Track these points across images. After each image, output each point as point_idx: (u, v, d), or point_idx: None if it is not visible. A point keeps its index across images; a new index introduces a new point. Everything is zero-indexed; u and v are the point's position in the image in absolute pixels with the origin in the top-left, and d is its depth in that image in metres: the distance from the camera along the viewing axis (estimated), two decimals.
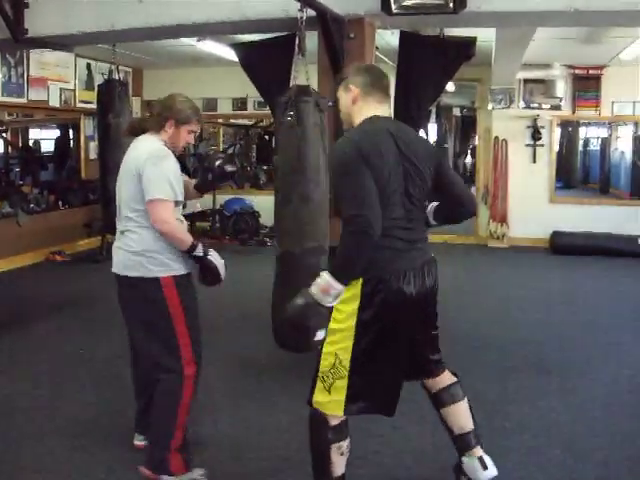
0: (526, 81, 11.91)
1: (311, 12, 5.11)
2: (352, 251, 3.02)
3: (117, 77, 7.54)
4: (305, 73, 4.98)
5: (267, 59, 5.99)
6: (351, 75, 3.40)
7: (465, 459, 3.58)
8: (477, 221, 12.44)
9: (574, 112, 12.24)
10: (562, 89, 11.84)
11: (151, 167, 3.57)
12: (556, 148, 13.23)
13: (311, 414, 3.29)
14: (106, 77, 7.81)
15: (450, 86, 13.11)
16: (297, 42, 5.11)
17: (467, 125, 16.37)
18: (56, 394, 5.11)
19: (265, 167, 13.40)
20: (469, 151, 16.55)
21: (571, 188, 16.50)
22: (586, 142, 19.10)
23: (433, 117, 16.65)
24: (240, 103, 12.84)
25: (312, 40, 5.61)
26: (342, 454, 3.27)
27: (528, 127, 12.03)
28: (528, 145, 12.11)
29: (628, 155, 15.87)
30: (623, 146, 16.97)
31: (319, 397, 3.23)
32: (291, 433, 4.40)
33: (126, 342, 4.07)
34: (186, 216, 10.94)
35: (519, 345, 6.40)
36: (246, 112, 13.08)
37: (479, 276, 9.89)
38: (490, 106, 11.75)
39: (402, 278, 3.15)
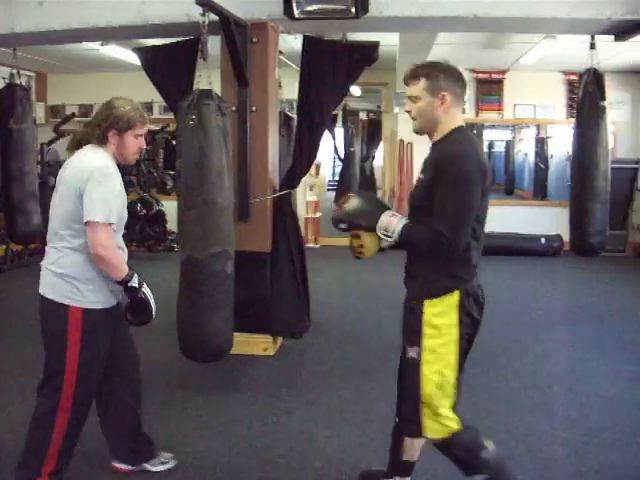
0: None
1: (214, 17, 5.08)
2: (423, 249, 3.13)
3: (19, 82, 7.35)
4: (208, 77, 4.94)
5: (170, 63, 5.94)
6: (443, 78, 3.11)
7: None
8: None
9: (478, 115, 12.47)
10: (466, 93, 12.04)
11: (94, 185, 3.24)
12: None
13: (449, 443, 3.13)
14: (7, 81, 7.62)
15: (356, 90, 13.26)
16: (200, 47, 5.07)
17: (374, 129, 16.45)
18: None
19: (172, 172, 13.25)
20: (375, 154, 16.63)
21: None
22: (491, 144, 19.47)
23: (340, 121, 16.74)
24: (146, 108, 12.58)
25: (215, 44, 5.60)
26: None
27: None
28: None
29: (531, 157, 16.24)
30: (526, 148, 17.36)
31: (429, 424, 3.12)
32: (195, 439, 4.37)
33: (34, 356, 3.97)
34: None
35: None
36: (152, 117, 12.91)
37: (386, 278, 9.93)
38: (396, 110, 11.87)
39: (481, 293, 3.29)
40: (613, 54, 9.25)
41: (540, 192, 14.70)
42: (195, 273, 4.45)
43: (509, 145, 18.45)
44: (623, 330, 7.02)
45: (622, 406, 5.04)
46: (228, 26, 5.30)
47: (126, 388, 3.78)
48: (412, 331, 3.16)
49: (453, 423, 3.09)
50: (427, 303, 3.09)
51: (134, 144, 3.52)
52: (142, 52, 6.28)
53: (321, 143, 6.10)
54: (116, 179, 3.39)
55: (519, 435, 4.49)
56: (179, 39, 5.96)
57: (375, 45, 5.98)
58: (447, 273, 3.10)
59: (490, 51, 10.06)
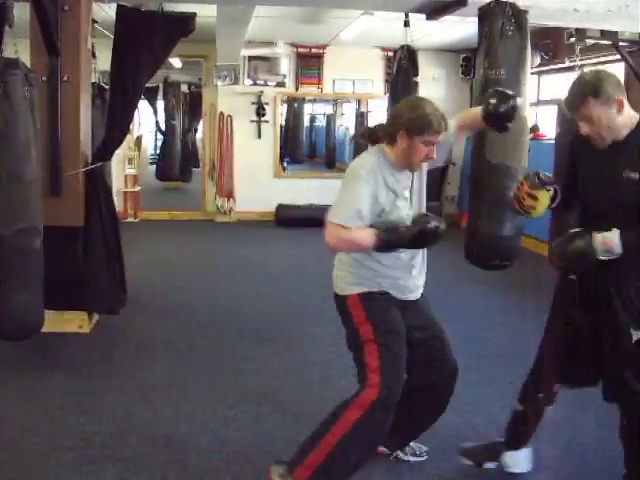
0: (251, 58, 12.09)
1: None
2: None
3: None
4: (14, 46, 4.75)
5: None
6: (606, 87, 2.98)
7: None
8: (204, 197, 12.59)
9: (297, 89, 12.60)
10: (286, 67, 12.14)
11: None
12: (281, 124, 13.58)
13: None
14: None
15: (177, 62, 13.08)
16: (5, 12, 4.85)
17: (195, 102, 16.37)
18: None
19: None
20: (197, 127, 16.59)
21: (298, 163, 16.98)
22: (312, 118, 19.69)
23: (161, 94, 16.54)
24: None
25: (25, 12, 5.37)
26: None
27: (253, 103, 12.27)
28: (253, 121, 12.37)
29: (352, 131, 16.55)
30: (347, 122, 17.68)
31: None
32: (5, 419, 4.25)
33: None
34: None
35: (245, 317, 6.55)
36: None
37: (206, 251, 9.98)
38: (216, 82, 11.81)
39: None
40: (429, 32, 9.57)
41: None
42: (1, 250, 4.28)
43: (330, 119, 18.72)
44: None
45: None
46: None
47: None
48: None
49: None
50: None
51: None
52: None
53: (135, 115, 6.01)
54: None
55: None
56: None
57: (192, 16, 5.93)
58: None
59: (309, 26, 10.17)
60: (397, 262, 3.33)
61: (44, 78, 5.42)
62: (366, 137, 3.46)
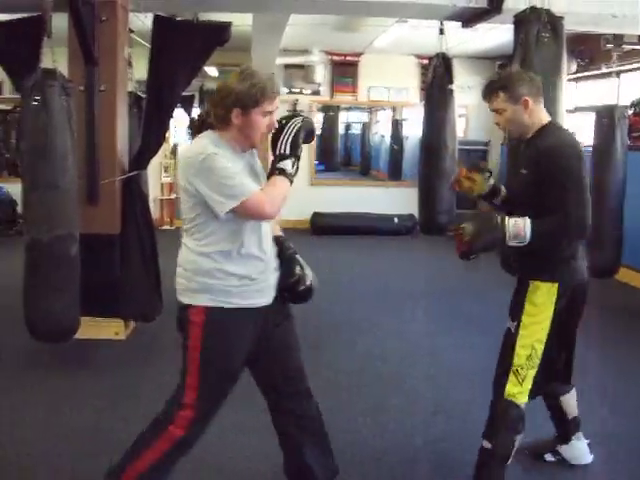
0: (286, 66, 12.15)
1: None
2: (556, 240, 3.28)
3: None
4: (52, 56, 4.82)
5: (14, 41, 5.72)
6: (517, 85, 3.34)
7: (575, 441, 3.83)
8: None
9: (332, 97, 12.62)
10: (321, 75, 12.17)
11: None
12: (318, 132, 13.60)
13: (505, 406, 3.37)
14: None
15: (213, 71, 13.15)
16: (43, 24, 4.93)
17: None
18: None
19: None
20: None
21: (333, 171, 16.99)
22: (348, 126, 19.69)
23: (196, 102, 16.60)
24: None
25: (63, 22, 5.45)
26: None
27: (288, 111, 12.26)
28: None
29: (387, 139, 16.53)
30: (382, 130, 17.66)
31: (512, 389, 3.35)
32: (42, 423, 4.31)
33: None
34: None
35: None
36: (3, 97, 12.47)
37: None
38: None
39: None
40: (464, 40, 9.54)
41: (395, 173, 15.00)
42: (39, 256, 4.35)
43: (365, 127, 18.70)
44: (469, 305, 7.33)
45: (467, 376, 5.29)
46: (75, 3, 5.17)
47: None
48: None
49: (523, 396, 3.37)
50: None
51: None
52: None
53: (171, 124, 6.04)
54: None
55: (368, 410, 4.62)
56: (24, 15, 5.77)
57: (227, 25, 5.96)
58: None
59: (344, 33, 10.20)
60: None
61: (81, 88, 5.48)
62: (197, 129, 3.11)
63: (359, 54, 12.26)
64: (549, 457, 3.90)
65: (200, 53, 5.89)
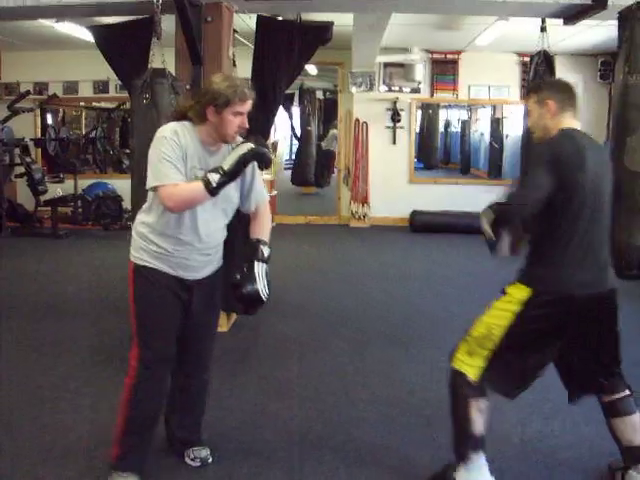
0: (386, 65, 12.17)
1: None
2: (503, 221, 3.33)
3: None
4: (161, 56, 4.99)
5: (124, 42, 5.95)
6: (545, 89, 3.45)
7: (633, 472, 3.54)
8: (339, 202, 12.75)
9: (433, 95, 12.59)
10: (421, 73, 12.15)
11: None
12: (416, 130, 13.60)
13: (452, 370, 3.45)
14: None
15: (313, 69, 13.28)
16: (153, 25, 5.11)
17: (329, 108, 16.55)
18: None
19: (128, 151, 13.22)
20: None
21: (432, 168, 16.97)
22: (447, 124, 19.61)
23: (296, 100, 16.80)
24: (102, 86, 12.59)
25: (171, 23, 5.62)
26: (481, 412, 3.37)
27: (388, 109, 12.33)
28: (388, 127, 12.42)
29: (487, 137, 16.42)
30: (482, 128, 17.54)
31: (460, 356, 3.43)
32: None
33: None
34: (47, 202, 10.67)
35: (376, 320, 6.63)
36: (108, 95, 12.82)
37: (340, 254, 10.13)
38: (351, 89, 11.95)
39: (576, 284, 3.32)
40: (566, 36, 9.41)
41: (495, 172, 14.90)
42: None
43: (465, 125, 18.60)
44: None
45: None
46: (182, 5, 5.33)
47: None
48: None
49: (470, 370, 3.37)
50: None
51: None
52: (97, 30, 6.30)
53: (275, 122, 6.16)
54: None
55: None
56: (134, 17, 5.97)
57: (329, 25, 6.05)
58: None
59: (445, 32, 10.17)
60: (180, 227, 3.38)
61: (188, 86, 5.64)
62: (175, 117, 3.48)
63: (459, 52, 12.19)
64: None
65: (302, 52, 5.99)
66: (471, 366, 3.36)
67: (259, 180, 3.61)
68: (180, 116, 3.42)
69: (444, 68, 12.46)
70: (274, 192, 12.79)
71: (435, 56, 12.34)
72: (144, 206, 3.48)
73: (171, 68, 5.20)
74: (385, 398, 4.78)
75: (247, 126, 3.33)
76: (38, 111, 12.23)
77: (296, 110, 17.16)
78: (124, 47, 5.92)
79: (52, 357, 5.41)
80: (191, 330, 3.61)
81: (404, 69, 12.15)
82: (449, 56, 12.33)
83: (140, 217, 3.48)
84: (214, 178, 3.17)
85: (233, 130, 3.31)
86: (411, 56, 11.83)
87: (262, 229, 3.59)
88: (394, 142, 12.44)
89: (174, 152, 3.23)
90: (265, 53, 5.91)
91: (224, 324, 6.07)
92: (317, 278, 8.40)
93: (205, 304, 3.63)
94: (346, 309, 6.99)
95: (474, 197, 12.00)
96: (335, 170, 14.56)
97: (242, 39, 7.61)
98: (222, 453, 3.90)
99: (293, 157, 18.18)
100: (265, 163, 3.34)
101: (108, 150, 13.92)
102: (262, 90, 5.89)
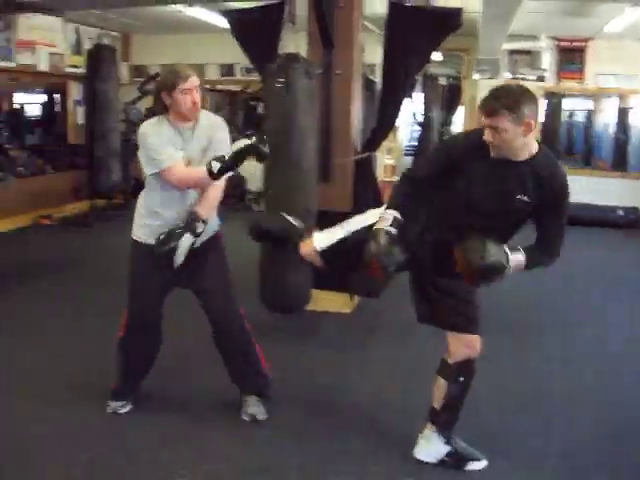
0: (512, 52, 12.02)
1: None
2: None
3: (105, 42, 7.54)
4: (295, 40, 5.07)
5: (258, 26, 6.05)
6: (526, 105, 3.06)
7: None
8: None
9: (558, 83, 12.35)
10: (547, 61, 11.95)
11: None
12: (541, 119, 13.36)
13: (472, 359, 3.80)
14: (94, 42, 7.81)
15: (437, 56, 13.19)
16: (287, 10, 5.19)
17: (452, 94, 16.39)
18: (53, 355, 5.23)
19: (248, 132, 13.36)
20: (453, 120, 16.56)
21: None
22: (571, 114, 19.16)
23: (419, 86, 16.69)
24: (227, 69, 12.82)
25: (303, 8, 5.70)
26: None
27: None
28: None
29: (612, 128, 15.98)
30: (607, 118, 17.08)
31: None
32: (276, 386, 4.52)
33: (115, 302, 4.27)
34: None
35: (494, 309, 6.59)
36: (233, 78, 13.05)
37: None
38: (475, 76, 11.84)
39: None
40: None
41: (619, 164, 14.50)
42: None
43: (589, 115, 18.13)
44: None
45: None
46: None
47: None
48: None
49: None
50: None
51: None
52: (231, 14, 6.42)
53: (402, 108, 6.19)
54: None
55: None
56: (267, 2, 6.08)
57: (459, 11, 6.03)
58: None
59: (574, 19, 9.95)
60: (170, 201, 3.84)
61: (319, 71, 5.71)
62: (148, 117, 4.00)
63: (587, 39, 11.89)
64: None
65: (432, 38, 5.98)
66: None
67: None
68: (152, 115, 3.92)
69: (570, 56, 12.18)
70: (395, 178, 12.79)
71: (562, 43, 12.07)
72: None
73: (302, 53, 5.27)
74: (498, 385, 4.76)
75: (197, 100, 3.71)
76: None
77: (418, 96, 17.04)
78: (257, 31, 6.02)
79: None
80: (201, 294, 4.08)
81: (530, 56, 11.97)
82: (576, 44, 12.04)
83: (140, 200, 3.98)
84: (215, 166, 3.58)
85: (187, 106, 3.70)
86: (539, 43, 11.65)
87: (202, 210, 3.89)
88: None
89: (160, 138, 3.71)
90: (396, 39, 5.91)
91: (347, 306, 6.16)
92: None
93: (201, 269, 4.03)
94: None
95: (597, 189, 11.83)
96: None
97: (368, 24, 7.64)
98: (342, 429, 4.02)
99: (414, 143, 18.08)
100: (260, 157, 3.70)
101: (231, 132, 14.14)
102: (393, 76, 5.96)
